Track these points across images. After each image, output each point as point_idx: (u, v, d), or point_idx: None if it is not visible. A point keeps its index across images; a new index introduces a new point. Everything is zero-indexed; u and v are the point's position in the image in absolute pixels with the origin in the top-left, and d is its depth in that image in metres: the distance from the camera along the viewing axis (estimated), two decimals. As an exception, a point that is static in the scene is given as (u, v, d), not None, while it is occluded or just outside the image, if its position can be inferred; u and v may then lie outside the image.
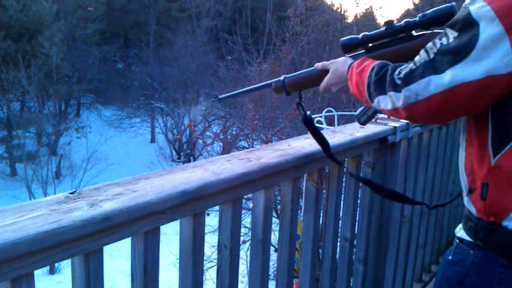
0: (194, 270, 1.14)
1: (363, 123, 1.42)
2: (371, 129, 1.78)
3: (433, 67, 0.94)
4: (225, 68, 11.49)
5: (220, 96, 1.47)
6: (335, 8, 13.04)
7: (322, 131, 1.74)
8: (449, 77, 0.92)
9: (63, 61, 19.20)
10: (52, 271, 12.13)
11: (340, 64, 1.28)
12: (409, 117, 1.03)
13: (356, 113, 1.42)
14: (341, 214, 1.74)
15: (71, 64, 20.14)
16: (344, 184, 1.74)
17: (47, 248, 0.81)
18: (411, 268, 2.34)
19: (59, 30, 19.56)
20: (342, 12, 11.53)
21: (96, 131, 20.14)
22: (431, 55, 0.96)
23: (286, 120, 8.39)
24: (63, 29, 20.04)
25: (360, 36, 1.28)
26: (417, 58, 1.00)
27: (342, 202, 1.74)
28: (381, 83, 1.06)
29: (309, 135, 1.62)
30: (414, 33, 1.24)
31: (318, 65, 1.35)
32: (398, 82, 1.00)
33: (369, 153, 1.83)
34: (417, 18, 1.20)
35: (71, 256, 0.87)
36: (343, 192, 1.73)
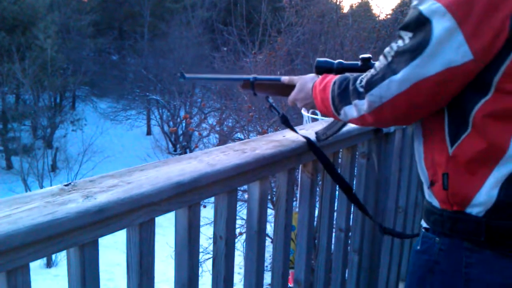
0: (189, 261, 1.15)
1: (322, 140, 1.47)
2: (366, 119, 1.78)
3: (392, 69, 0.98)
4: (221, 60, 11.45)
5: (187, 76, 1.44)
6: (330, -1, 12.99)
7: (316, 122, 1.75)
8: (407, 75, 0.95)
9: (58, 53, 19.09)
10: (49, 264, 12.14)
11: (307, 81, 1.31)
12: (376, 122, 1.07)
13: (317, 130, 1.48)
14: (336, 204, 1.75)
15: (66, 56, 20.02)
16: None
17: (42, 240, 0.81)
18: (406, 258, 2.35)
19: (53, 22, 19.43)
20: (338, 3, 11.49)
21: (92, 123, 20.07)
22: (389, 59, 0.99)
23: (282, 111, 8.36)
24: (57, 21, 19.91)
25: (335, 62, 1.32)
26: (377, 63, 1.03)
27: (337, 193, 1.75)
28: (344, 94, 1.10)
29: (303, 126, 1.64)
30: None
31: (285, 79, 1.38)
32: (361, 90, 1.04)
33: (363, 144, 1.83)
34: None
35: (66, 248, 0.88)
36: (338, 183, 1.74)
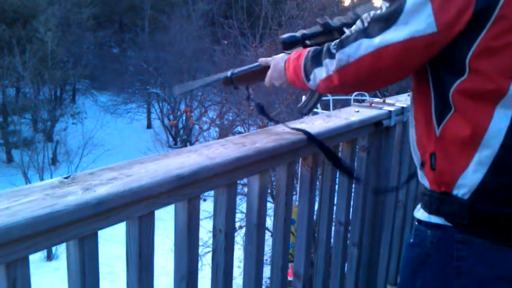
0: (189, 254, 1.15)
1: (305, 114, 1.50)
2: (366, 113, 1.78)
3: (366, 33, 1.03)
4: (221, 53, 11.43)
5: (177, 91, 1.54)
6: (331, -8, 12.94)
7: (317, 116, 1.75)
8: (377, 40, 1.01)
9: (58, 46, 19.03)
10: (49, 257, 12.17)
11: (279, 59, 1.35)
12: (341, 83, 1.10)
13: (298, 105, 1.50)
14: (335, 198, 1.75)
15: (66, 49, 19.97)
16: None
17: (41, 233, 0.81)
18: (405, 252, 2.36)
19: (54, 15, 19.37)
20: (339, -4, 11.45)
21: (92, 117, 20.06)
22: (365, 24, 1.05)
23: (283, 105, 8.38)
24: (57, 14, 19.85)
25: (299, 34, 1.37)
26: (353, 27, 1.09)
27: (336, 187, 1.75)
28: (317, 57, 1.14)
29: (304, 119, 1.63)
30: (347, 31, 1.32)
31: (262, 60, 1.42)
32: (333, 51, 1.09)
33: (364, 138, 1.83)
34: (350, 19, 1.31)
35: (65, 240, 0.88)
36: (337, 177, 1.74)
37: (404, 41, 0.98)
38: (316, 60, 1.15)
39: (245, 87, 1.49)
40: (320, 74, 1.13)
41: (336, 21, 1.35)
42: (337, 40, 1.10)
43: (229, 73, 1.45)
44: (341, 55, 1.06)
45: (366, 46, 1.02)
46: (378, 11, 1.03)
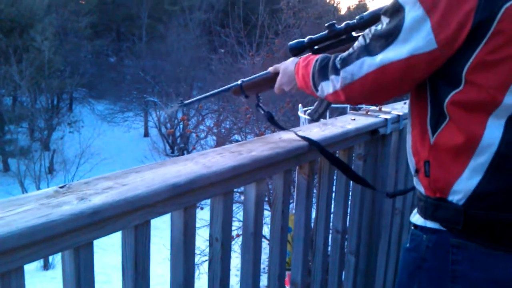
0: (185, 263, 1.15)
1: (316, 120, 1.52)
2: (362, 121, 1.78)
3: (368, 50, 1.04)
4: (218, 62, 11.46)
5: (186, 102, 1.56)
6: (328, 1, 13.03)
7: (313, 124, 1.76)
8: (379, 58, 1.02)
9: (55, 55, 19.05)
10: (46, 267, 12.10)
11: (288, 64, 1.37)
12: (347, 98, 1.12)
13: (309, 111, 1.53)
14: (332, 206, 1.75)
15: (63, 58, 20.00)
16: (335, 176, 1.75)
17: (36, 243, 0.80)
18: (403, 260, 2.35)
19: (51, 24, 19.42)
20: (335, 5, 11.54)
21: (89, 125, 20.03)
22: (367, 40, 1.06)
23: (280, 113, 8.39)
24: (54, 23, 19.90)
25: (306, 39, 1.39)
26: (355, 43, 1.09)
27: (333, 195, 1.75)
28: (324, 70, 1.16)
29: (300, 127, 1.64)
30: (354, 34, 1.36)
31: (271, 68, 1.44)
32: (338, 66, 1.10)
33: (360, 146, 1.83)
34: (355, 21, 1.33)
35: (60, 250, 0.87)
36: (334, 185, 1.74)
37: (405, 59, 0.99)
38: (322, 74, 1.16)
39: (256, 96, 1.51)
40: (327, 88, 1.15)
41: (342, 25, 1.37)
42: (342, 55, 1.11)
43: (239, 82, 1.47)
44: (345, 74, 1.08)
45: (368, 64, 1.03)
46: (379, 27, 1.04)
